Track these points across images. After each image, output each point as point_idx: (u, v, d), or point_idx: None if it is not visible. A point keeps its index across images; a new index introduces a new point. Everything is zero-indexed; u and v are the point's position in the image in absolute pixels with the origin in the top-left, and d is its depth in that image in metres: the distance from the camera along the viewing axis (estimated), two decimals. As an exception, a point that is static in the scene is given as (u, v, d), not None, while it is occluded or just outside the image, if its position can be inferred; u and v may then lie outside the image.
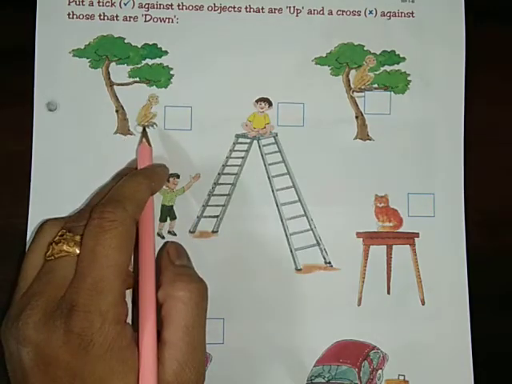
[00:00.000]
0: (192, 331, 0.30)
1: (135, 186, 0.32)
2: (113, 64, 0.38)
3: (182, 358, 0.29)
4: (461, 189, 0.39)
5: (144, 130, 0.37)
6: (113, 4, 0.38)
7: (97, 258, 0.28)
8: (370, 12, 0.39)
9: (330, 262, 0.38)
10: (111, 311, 0.28)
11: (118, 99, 0.38)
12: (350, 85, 0.39)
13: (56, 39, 0.38)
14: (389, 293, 0.38)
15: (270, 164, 0.38)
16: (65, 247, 0.30)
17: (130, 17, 0.38)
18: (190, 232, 0.37)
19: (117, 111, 0.38)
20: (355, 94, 0.39)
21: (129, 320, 0.30)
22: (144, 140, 0.36)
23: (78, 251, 0.30)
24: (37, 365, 0.27)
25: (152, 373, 0.28)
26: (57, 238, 0.31)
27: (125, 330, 0.28)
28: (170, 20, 0.38)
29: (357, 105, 0.39)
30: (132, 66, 0.38)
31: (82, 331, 0.27)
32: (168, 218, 0.37)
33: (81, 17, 0.38)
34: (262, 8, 0.39)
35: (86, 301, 0.28)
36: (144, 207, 0.32)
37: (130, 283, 0.32)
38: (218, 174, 0.38)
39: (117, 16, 0.38)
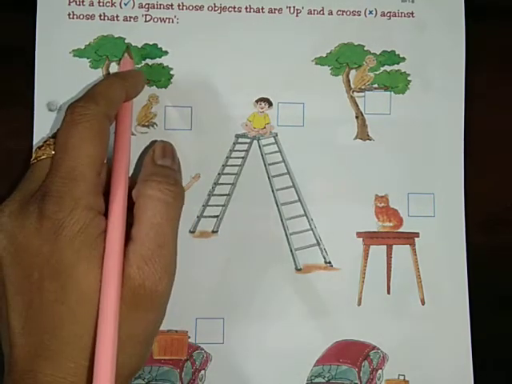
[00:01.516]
0: (158, 228, 0.30)
1: (108, 84, 0.33)
2: (113, 64, 0.38)
3: (145, 253, 0.29)
4: (461, 189, 0.39)
5: (128, 47, 0.37)
6: (113, 4, 0.38)
7: (68, 149, 0.29)
8: (370, 12, 0.39)
9: (330, 262, 0.38)
10: (84, 198, 0.28)
11: (118, 99, 0.38)
12: (350, 85, 0.39)
13: (56, 39, 0.38)
14: (389, 293, 0.38)
15: (269, 164, 0.38)
16: (47, 150, 0.31)
17: (130, 17, 0.38)
18: (190, 232, 0.37)
19: (117, 111, 0.38)
20: (355, 94, 0.39)
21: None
22: (127, 54, 0.37)
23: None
24: (9, 252, 0.28)
25: (115, 263, 0.28)
26: (41, 143, 0.32)
27: (97, 220, 0.29)
28: (170, 20, 0.38)
29: (357, 105, 0.39)
30: (132, 66, 0.38)
31: (54, 214, 0.28)
32: (168, 218, 0.37)
33: (81, 17, 0.38)
34: (262, 8, 0.39)
35: (58, 187, 0.28)
36: (117, 106, 0.33)
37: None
38: (218, 173, 0.38)
39: (117, 16, 0.38)
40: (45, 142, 0.32)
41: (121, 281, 0.28)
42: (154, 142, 0.36)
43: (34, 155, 0.32)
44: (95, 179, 0.29)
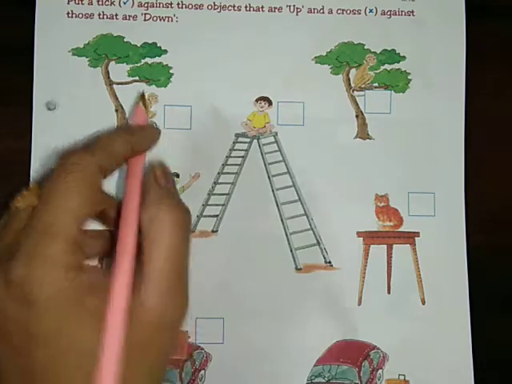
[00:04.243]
0: (176, 256, 0.27)
1: (110, 136, 0.30)
2: (112, 63, 0.38)
3: (166, 284, 0.27)
4: (461, 188, 0.39)
5: (143, 94, 0.35)
6: (112, 3, 0.38)
7: (50, 201, 0.26)
8: (371, 11, 0.39)
9: (330, 262, 0.38)
10: (60, 257, 0.25)
11: (117, 98, 0.38)
12: (350, 84, 0.39)
13: (55, 38, 0.37)
14: (389, 292, 0.38)
15: (269, 163, 0.38)
16: (30, 198, 0.28)
17: (129, 16, 0.38)
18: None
19: (116, 110, 0.38)
20: (355, 93, 0.39)
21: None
22: (141, 103, 0.35)
23: None
24: None
25: (122, 305, 0.26)
26: (25, 189, 0.29)
27: (80, 279, 0.26)
28: (170, 19, 0.38)
29: (357, 104, 0.39)
30: (131, 65, 0.38)
31: (21, 279, 0.25)
32: (168, 218, 0.37)
33: (80, 16, 0.38)
34: (262, 7, 0.39)
35: (30, 245, 0.25)
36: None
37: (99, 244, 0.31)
38: (218, 173, 0.38)
39: (116, 15, 0.38)
40: (30, 187, 0.29)
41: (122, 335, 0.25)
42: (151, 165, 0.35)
43: (14, 202, 0.29)
44: (76, 236, 0.26)
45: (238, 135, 0.38)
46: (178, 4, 0.38)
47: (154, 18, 0.38)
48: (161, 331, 0.27)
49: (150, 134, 0.32)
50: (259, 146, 0.38)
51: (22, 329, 0.25)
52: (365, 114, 0.39)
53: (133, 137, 0.31)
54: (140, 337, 0.26)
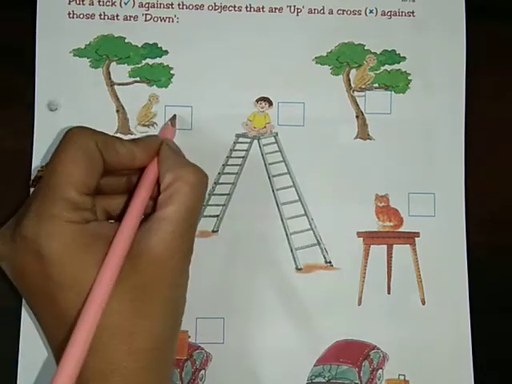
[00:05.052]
0: (191, 211, 0.30)
1: (117, 137, 0.33)
2: (113, 64, 0.38)
3: (177, 231, 0.30)
4: (461, 188, 0.39)
5: (175, 116, 0.37)
6: (113, 3, 0.38)
7: (53, 167, 0.30)
8: (371, 11, 0.39)
9: (330, 262, 0.38)
10: (62, 214, 0.28)
11: (118, 99, 0.38)
12: (350, 84, 0.39)
13: (56, 39, 0.38)
14: (389, 292, 0.38)
15: (270, 163, 0.38)
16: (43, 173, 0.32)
17: (130, 16, 0.38)
18: (191, 231, 0.37)
19: (117, 111, 0.38)
20: (356, 94, 0.39)
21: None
22: (169, 122, 0.36)
23: None
24: (14, 276, 0.29)
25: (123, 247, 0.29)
26: (39, 166, 0.34)
27: (86, 230, 0.29)
28: (171, 19, 0.38)
29: (357, 104, 0.39)
30: (132, 66, 0.38)
31: (33, 234, 0.28)
32: (168, 218, 0.37)
33: (81, 16, 0.38)
34: (263, 7, 0.39)
35: (37, 206, 0.29)
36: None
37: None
38: (219, 173, 0.38)
39: (117, 15, 0.38)
40: (44, 165, 0.33)
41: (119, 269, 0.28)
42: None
43: (31, 180, 0.33)
44: (74, 197, 0.29)
45: (238, 135, 0.38)
46: (179, 4, 0.38)
47: (155, 19, 0.38)
48: (166, 270, 0.30)
49: (152, 148, 0.34)
50: (259, 147, 0.38)
51: (44, 279, 0.28)
52: (365, 115, 0.39)
53: (135, 147, 0.33)
54: (144, 276, 0.29)
